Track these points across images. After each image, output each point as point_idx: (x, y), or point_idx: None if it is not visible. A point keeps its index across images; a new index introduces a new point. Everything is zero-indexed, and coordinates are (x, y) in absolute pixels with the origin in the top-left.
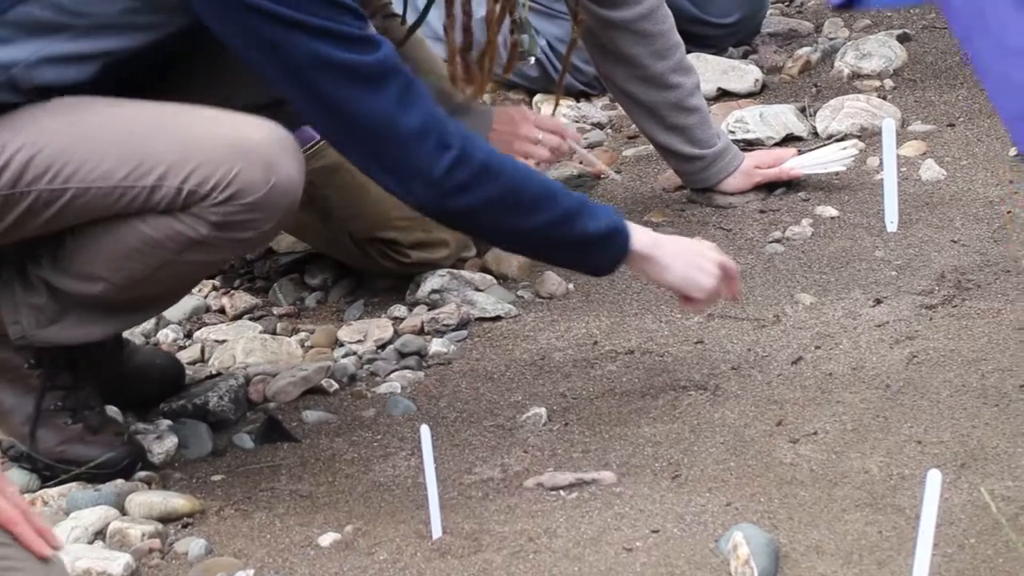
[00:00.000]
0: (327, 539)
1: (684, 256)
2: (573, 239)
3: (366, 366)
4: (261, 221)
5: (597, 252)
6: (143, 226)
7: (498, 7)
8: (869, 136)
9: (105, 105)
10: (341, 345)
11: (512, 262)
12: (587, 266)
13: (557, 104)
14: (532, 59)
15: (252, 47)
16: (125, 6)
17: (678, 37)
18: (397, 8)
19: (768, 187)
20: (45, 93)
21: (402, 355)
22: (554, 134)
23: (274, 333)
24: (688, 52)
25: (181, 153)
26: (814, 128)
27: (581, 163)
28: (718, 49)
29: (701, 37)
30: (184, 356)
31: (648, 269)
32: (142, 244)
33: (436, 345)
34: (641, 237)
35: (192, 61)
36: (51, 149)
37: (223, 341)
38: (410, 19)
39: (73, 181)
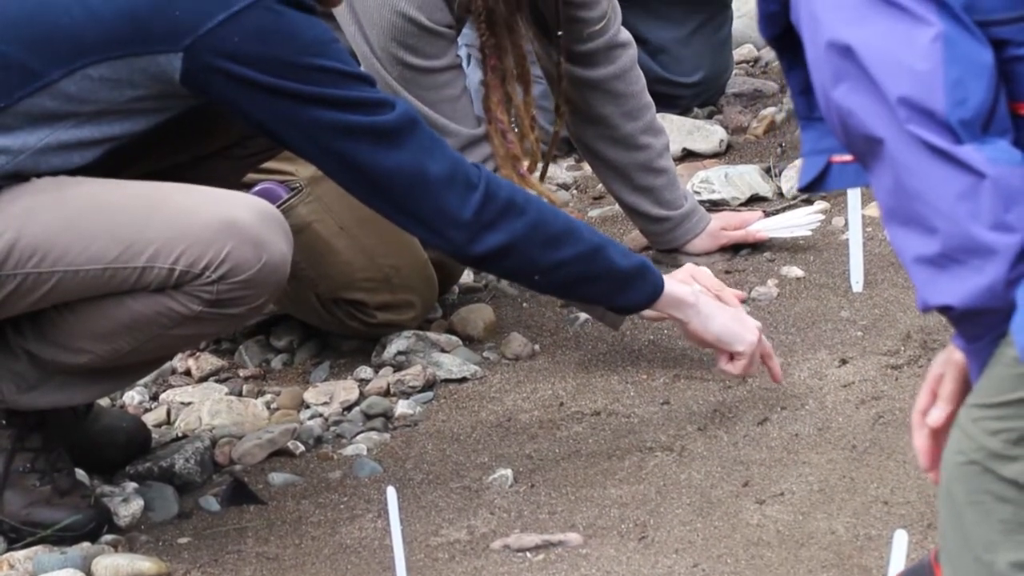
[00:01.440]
0: None
1: (726, 310)
2: (603, 273)
3: (332, 428)
4: (253, 297)
5: (629, 287)
6: (133, 303)
7: (525, 98)
8: (834, 197)
9: (89, 185)
10: (307, 407)
11: (478, 323)
12: (620, 302)
13: (545, 171)
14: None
15: (278, 125)
16: (133, 94)
17: (649, 98)
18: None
19: (734, 248)
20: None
21: (368, 417)
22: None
23: (240, 395)
24: None
25: (171, 233)
26: (779, 188)
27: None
28: (683, 109)
29: (666, 97)
30: (150, 418)
31: (690, 316)
32: (132, 321)
33: (402, 407)
34: (682, 285)
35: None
36: (36, 232)
37: (189, 403)
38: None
39: (61, 264)
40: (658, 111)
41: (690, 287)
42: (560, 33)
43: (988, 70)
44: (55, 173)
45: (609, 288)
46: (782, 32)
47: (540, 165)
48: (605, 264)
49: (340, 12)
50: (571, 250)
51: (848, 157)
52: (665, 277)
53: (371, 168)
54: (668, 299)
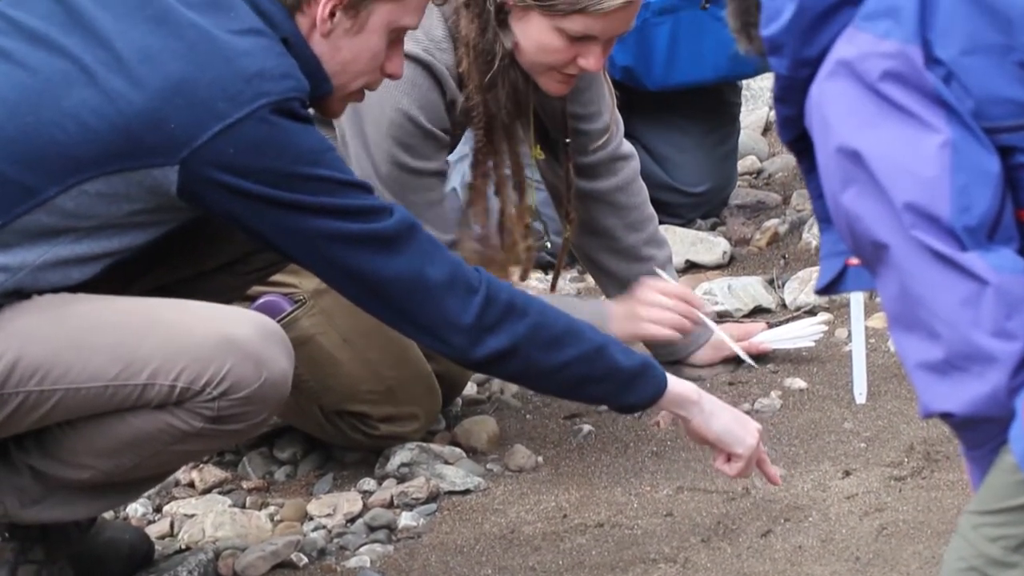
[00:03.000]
0: None
1: (728, 410)
2: (606, 373)
3: (335, 540)
4: (254, 413)
5: (632, 386)
6: (135, 420)
7: (519, 205)
8: (837, 308)
9: (89, 303)
10: (310, 519)
11: (482, 435)
12: (623, 401)
13: (555, 282)
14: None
15: (275, 235)
16: (130, 207)
17: (652, 210)
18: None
19: (737, 359)
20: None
21: (372, 529)
22: (681, 300)
23: (243, 507)
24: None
25: (171, 351)
26: (783, 300)
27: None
28: (686, 221)
29: (669, 205)
30: (153, 531)
31: (693, 414)
32: (134, 437)
33: (406, 519)
34: (685, 383)
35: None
36: (38, 351)
37: (192, 515)
38: None
39: (62, 383)
40: (660, 220)
41: (694, 386)
42: (568, 141)
43: (995, 178)
44: (55, 290)
45: (613, 388)
46: (800, 136)
47: (550, 276)
48: (608, 364)
49: None
50: (573, 351)
51: None
52: (668, 375)
53: (371, 276)
54: (672, 397)
